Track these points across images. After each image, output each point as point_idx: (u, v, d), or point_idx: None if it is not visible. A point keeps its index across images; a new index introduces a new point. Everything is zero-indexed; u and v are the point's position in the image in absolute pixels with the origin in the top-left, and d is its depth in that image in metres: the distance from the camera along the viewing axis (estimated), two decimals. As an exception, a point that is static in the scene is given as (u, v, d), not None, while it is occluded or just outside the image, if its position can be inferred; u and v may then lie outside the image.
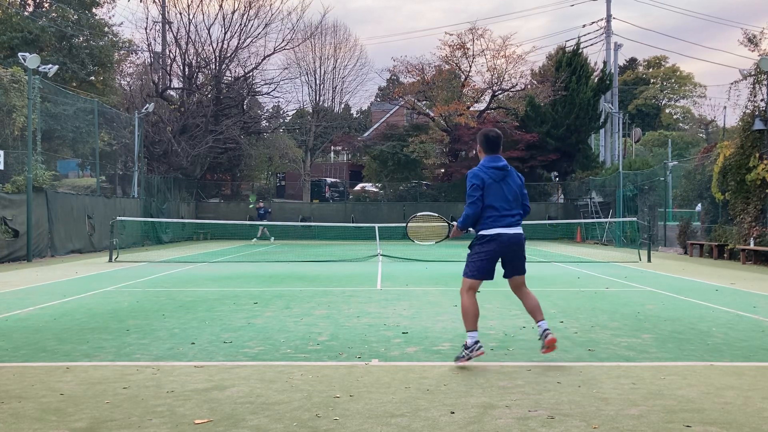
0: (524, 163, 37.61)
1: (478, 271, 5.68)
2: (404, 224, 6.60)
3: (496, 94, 39.13)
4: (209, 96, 37.23)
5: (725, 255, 19.39)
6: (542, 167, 39.34)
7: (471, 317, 5.63)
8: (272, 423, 4.14)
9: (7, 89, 20.05)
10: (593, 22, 43.49)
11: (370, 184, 42.57)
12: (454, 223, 6.03)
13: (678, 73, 67.65)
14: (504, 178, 5.71)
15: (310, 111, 44.08)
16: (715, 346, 6.51)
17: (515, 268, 5.89)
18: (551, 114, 36.69)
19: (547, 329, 5.70)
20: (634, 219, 22.70)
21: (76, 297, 10.32)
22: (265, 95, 41.13)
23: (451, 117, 36.55)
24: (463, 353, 5.63)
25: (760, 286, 12.05)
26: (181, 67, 36.77)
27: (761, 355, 6.16)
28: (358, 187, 43.88)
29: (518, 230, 5.76)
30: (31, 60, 18.15)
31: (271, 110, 47.13)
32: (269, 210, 32.77)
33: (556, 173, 41.29)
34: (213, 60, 37.21)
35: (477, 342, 5.60)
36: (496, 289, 11.56)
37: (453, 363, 5.71)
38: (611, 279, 13.38)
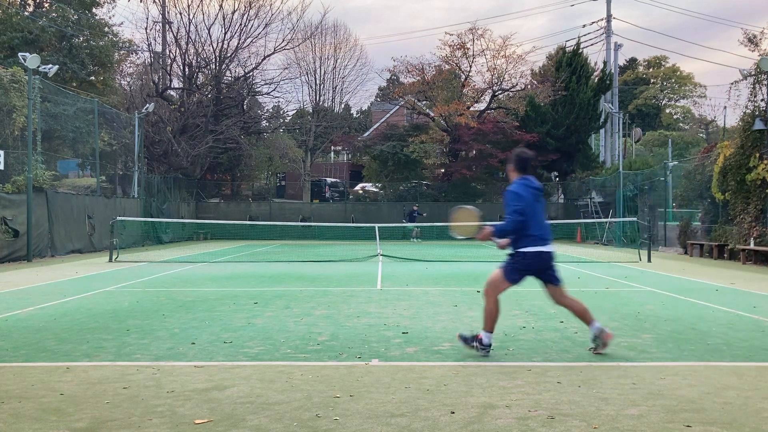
0: (524, 163, 37.60)
1: (515, 278, 6.11)
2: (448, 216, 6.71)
3: (496, 94, 39.13)
4: (209, 96, 37.24)
5: (725, 255, 19.39)
6: (542, 167, 39.33)
7: (492, 317, 6.10)
8: (272, 423, 4.14)
9: (7, 89, 20.05)
10: (593, 22, 43.52)
11: (370, 184, 42.57)
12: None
13: (678, 73, 67.62)
14: (539, 198, 6.06)
15: (310, 111, 44.09)
16: (715, 346, 6.51)
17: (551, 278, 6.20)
18: (551, 114, 36.70)
19: None
20: (634, 219, 22.69)
21: (76, 297, 10.32)
22: (265, 95, 41.18)
23: (451, 117, 36.54)
24: (474, 344, 6.05)
25: (760, 286, 12.05)
26: (181, 67, 36.79)
27: (761, 355, 6.16)
28: (358, 187, 43.89)
29: (552, 247, 6.12)
30: (31, 60, 18.15)
31: (271, 110, 47.19)
32: (423, 213, 32.73)
33: (556, 173, 41.30)
34: (213, 60, 37.23)
35: (491, 344, 6.07)
36: (496, 289, 11.56)
37: (453, 363, 5.71)
38: (611, 279, 13.38)
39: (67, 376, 5.30)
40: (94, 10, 30.05)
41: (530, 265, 6.00)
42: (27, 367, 5.65)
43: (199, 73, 37.90)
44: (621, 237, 27.37)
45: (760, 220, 18.11)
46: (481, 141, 36.49)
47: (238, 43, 37.13)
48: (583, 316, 6.08)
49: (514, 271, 6.06)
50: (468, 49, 37.89)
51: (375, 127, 49.81)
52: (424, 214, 32.54)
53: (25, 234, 18.21)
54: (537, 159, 36.69)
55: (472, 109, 38.64)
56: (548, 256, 6.03)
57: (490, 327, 6.00)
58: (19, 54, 18.71)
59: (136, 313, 8.59)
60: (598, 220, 29.85)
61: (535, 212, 5.93)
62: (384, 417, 4.25)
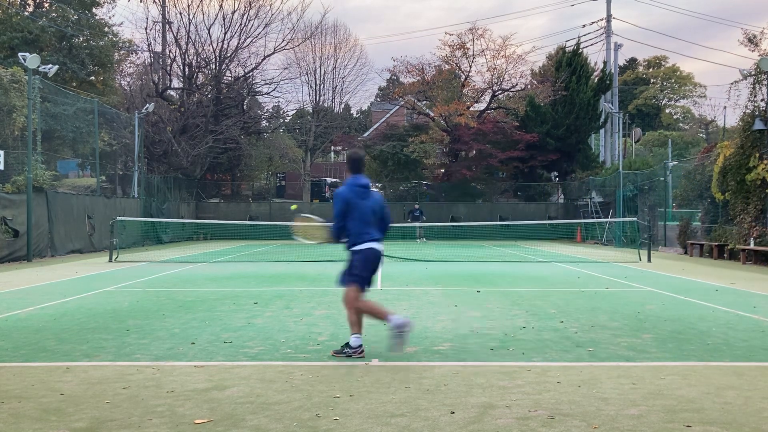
0: (524, 163, 37.62)
1: (359, 279, 6.05)
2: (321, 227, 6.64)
3: (496, 94, 39.13)
4: (209, 96, 37.24)
5: (725, 255, 19.38)
6: (542, 167, 39.34)
7: (380, 314, 6.00)
8: (272, 423, 4.14)
9: (7, 89, 20.05)
10: (593, 22, 43.52)
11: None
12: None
13: (678, 73, 67.60)
14: (366, 196, 6.12)
15: (310, 111, 44.09)
16: (715, 346, 6.51)
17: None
18: (551, 114, 36.69)
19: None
20: (634, 219, 22.69)
21: (76, 297, 10.31)
22: (265, 95, 41.17)
23: (451, 117, 36.53)
24: (346, 350, 5.98)
25: (760, 286, 12.05)
26: (181, 67, 36.79)
27: (761, 355, 6.16)
28: (358, 187, 43.82)
29: (382, 244, 6.17)
30: (31, 60, 18.15)
31: (271, 110, 47.17)
32: (423, 216, 32.59)
33: (556, 173, 41.30)
34: (213, 60, 37.23)
35: (361, 345, 6.01)
36: (496, 289, 11.58)
37: (453, 363, 5.71)
38: (611, 279, 13.38)
39: (67, 376, 5.30)
40: (94, 10, 30.03)
41: (366, 260, 6.01)
42: (27, 367, 5.65)
43: (199, 73, 37.90)
44: (621, 237, 27.36)
45: (760, 220, 18.11)
46: (481, 141, 36.49)
47: (238, 43, 37.15)
48: (379, 314, 6.09)
49: (352, 273, 6.05)
50: (468, 49, 37.89)
51: (375, 127, 49.80)
52: (424, 218, 32.42)
53: (25, 234, 18.21)
54: (537, 159, 36.80)
55: (472, 109, 38.63)
56: (375, 254, 6.05)
57: (357, 330, 6.02)
58: (19, 54, 18.70)
59: (136, 313, 8.59)
60: (598, 220, 29.85)
61: (361, 211, 6.02)
62: (384, 417, 4.25)
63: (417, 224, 32.08)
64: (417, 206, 33.21)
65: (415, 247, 26.45)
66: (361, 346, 5.98)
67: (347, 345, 6.02)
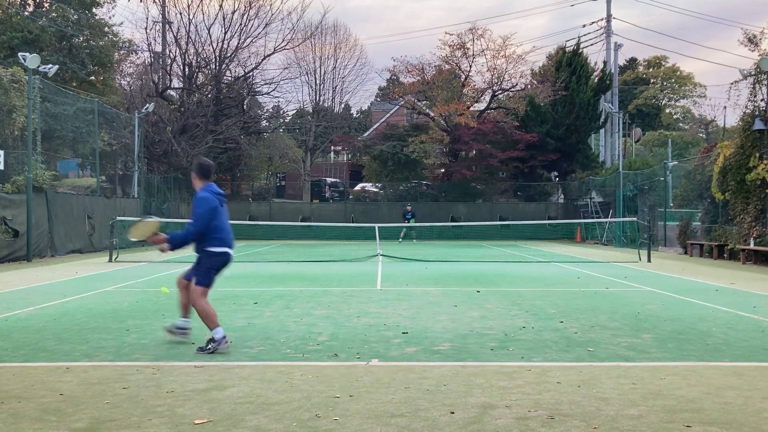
0: (524, 163, 37.62)
1: (211, 280, 6.42)
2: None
3: (496, 94, 39.13)
4: (209, 96, 37.23)
5: (725, 255, 19.38)
6: (542, 167, 39.34)
7: (213, 317, 6.25)
8: (272, 423, 4.14)
9: (7, 89, 20.04)
10: (593, 22, 43.51)
11: (370, 184, 42.57)
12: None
13: (678, 73, 67.58)
14: (223, 203, 6.49)
15: (310, 111, 44.08)
16: (715, 346, 6.51)
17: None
18: (551, 114, 36.69)
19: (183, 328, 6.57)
20: (634, 219, 22.69)
21: (76, 297, 10.31)
22: (265, 95, 41.17)
23: (451, 117, 36.54)
24: (210, 346, 6.14)
25: (760, 286, 12.05)
26: (181, 67, 36.79)
27: (761, 355, 6.16)
28: (358, 187, 43.88)
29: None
30: (31, 60, 18.14)
31: (271, 110, 47.16)
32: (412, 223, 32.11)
33: (556, 173, 41.31)
34: (213, 60, 37.22)
35: (224, 336, 6.22)
36: (496, 289, 11.58)
37: (453, 363, 5.72)
38: (611, 279, 13.38)
39: (67, 376, 5.29)
40: (94, 10, 30.03)
41: (217, 263, 6.37)
42: (27, 367, 5.65)
43: (199, 73, 37.90)
44: (621, 237, 27.36)
45: (760, 220, 18.11)
46: (481, 141, 36.49)
47: (238, 43, 37.15)
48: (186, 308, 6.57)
49: (207, 273, 6.35)
50: (468, 49, 37.90)
51: (375, 127, 49.80)
52: (414, 224, 31.87)
53: (25, 234, 18.21)
54: (537, 159, 36.79)
55: (472, 109, 38.63)
56: (230, 258, 6.50)
57: (214, 325, 6.21)
58: (19, 54, 18.70)
59: (136, 313, 8.59)
60: (598, 220, 29.85)
61: (221, 216, 6.38)
62: (384, 417, 4.25)
63: (408, 225, 31.64)
64: (409, 208, 32.91)
65: (414, 247, 26.44)
66: (225, 336, 6.22)
67: (212, 340, 6.18)
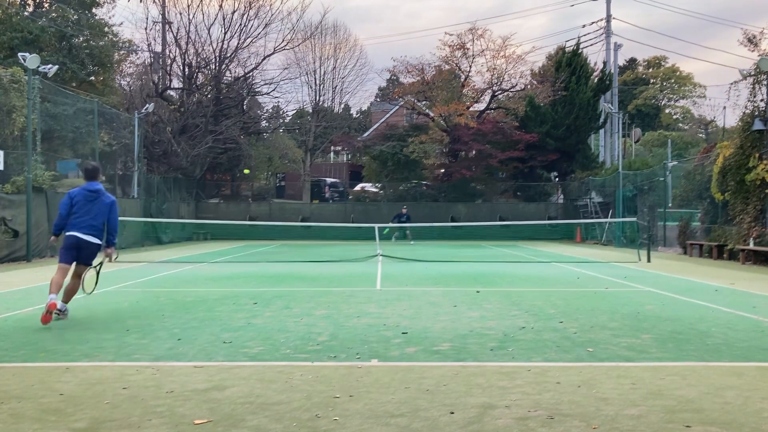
0: (524, 163, 37.62)
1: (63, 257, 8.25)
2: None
3: (496, 94, 39.13)
4: (209, 96, 37.22)
5: (725, 255, 19.38)
6: (542, 167, 39.34)
7: (56, 286, 7.95)
8: (272, 423, 4.14)
9: (7, 89, 20.03)
10: (593, 22, 43.53)
11: (370, 184, 42.56)
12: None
13: (678, 73, 67.58)
14: (95, 199, 8.09)
15: (310, 111, 44.07)
16: (715, 346, 6.51)
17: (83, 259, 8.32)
18: (551, 114, 36.69)
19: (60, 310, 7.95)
20: (634, 219, 22.69)
21: (76, 297, 10.29)
22: (265, 95, 41.14)
23: (451, 117, 36.54)
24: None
25: (760, 286, 12.05)
26: (181, 67, 36.77)
27: (761, 355, 6.17)
28: (358, 188, 43.87)
29: (90, 237, 8.16)
30: (31, 60, 18.14)
31: (271, 110, 47.15)
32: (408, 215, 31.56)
33: (555, 173, 41.31)
34: (213, 60, 37.20)
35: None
36: (496, 289, 11.58)
37: (453, 363, 5.71)
38: (611, 279, 13.38)
39: (67, 376, 5.29)
40: (94, 10, 30.01)
41: (71, 244, 8.12)
42: (27, 367, 5.65)
43: (199, 73, 37.87)
44: (621, 237, 27.36)
45: (760, 220, 18.11)
46: (481, 141, 36.49)
47: (238, 43, 37.12)
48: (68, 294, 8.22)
49: (62, 250, 8.22)
50: (468, 49, 37.90)
51: (375, 127, 49.79)
52: (406, 225, 31.10)
53: (24, 234, 18.20)
54: (537, 159, 36.77)
55: (471, 109, 38.63)
56: (78, 239, 8.10)
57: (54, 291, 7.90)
58: (19, 54, 18.69)
59: (136, 313, 8.59)
60: (598, 220, 29.85)
61: (85, 208, 8.06)
62: (384, 417, 4.25)
63: (398, 225, 30.97)
64: (405, 210, 32.59)
65: (414, 247, 26.44)
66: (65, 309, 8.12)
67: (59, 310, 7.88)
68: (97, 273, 8.52)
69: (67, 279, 8.23)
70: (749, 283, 12.77)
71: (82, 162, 9.26)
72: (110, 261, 8.52)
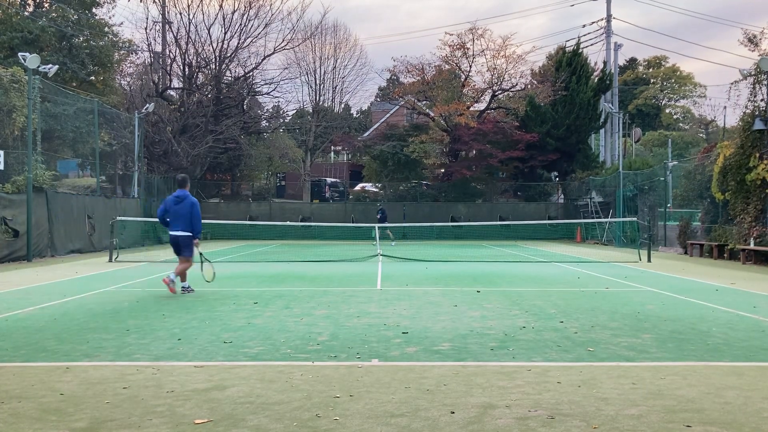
0: (524, 163, 37.62)
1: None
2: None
3: (496, 94, 39.13)
4: (209, 96, 37.22)
5: (725, 255, 19.38)
6: (542, 167, 39.34)
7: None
8: (272, 423, 4.14)
9: (7, 89, 20.04)
10: (593, 22, 43.54)
11: (370, 184, 42.57)
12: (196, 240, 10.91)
13: (678, 73, 67.59)
14: (181, 202, 10.63)
15: (310, 111, 44.08)
16: (715, 346, 6.51)
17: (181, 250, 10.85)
18: (551, 114, 36.70)
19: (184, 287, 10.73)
20: (634, 219, 22.69)
21: (76, 297, 10.32)
22: (265, 95, 41.16)
23: (451, 117, 36.54)
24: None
25: (760, 286, 12.05)
26: (181, 67, 36.78)
27: (761, 355, 6.16)
28: (358, 187, 43.88)
29: (180, 231, 10.70)
30: (31, 60, 18.14)
31: (271, 110, 47.14)
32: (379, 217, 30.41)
33: (556, 173, 41.31)
34: (213, 60, 37.21)
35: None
36: (496, 289, 11.58)
37: (453, 363, 5.71)
38: (611, 279, 13.38)
39: (67, 376, 5.29)
40: (94, 10, 30.03)
41: (171, 242, 10.97)
42: (27, 367, 5.65)
43: (199, 73, 37.89)
44: (621, 237, 27.36)
45: (760, 220, 18.11)
46: (481, 141, 36.50)
47: (238, 43, 37.13)
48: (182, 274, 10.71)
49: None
50: (468, 49, 37.90)
51: (375, 127, 49.79)
52: (387, 225, 29.86)
53: (25, 234, 18.21)
54: (537, 159, 36.78)
55: (472, 109, 38.63)
56: (176, 237, 10.77)
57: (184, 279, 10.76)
58: (19, 54, 18.69)
59: (136, 313, 8.59)
60: (598, 220, 29.85)
61: (173, 210, 10.70)
62: (384, 417, 4.25)
63: (378, 225, 30.06)
64: (380, 206, 31.95)
65: (414, 247, 26.42)
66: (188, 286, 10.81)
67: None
68: (205, 260, 11.23)
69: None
70: (750, 282, 12.77)
71: (177, 174, 12.75)
72: (196, 247, 10.85)
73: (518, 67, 38.04)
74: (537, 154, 36.91)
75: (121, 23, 76.87)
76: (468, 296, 10.38)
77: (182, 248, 10.70)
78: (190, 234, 10.66)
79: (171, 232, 10.71)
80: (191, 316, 8.30)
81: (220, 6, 37.06)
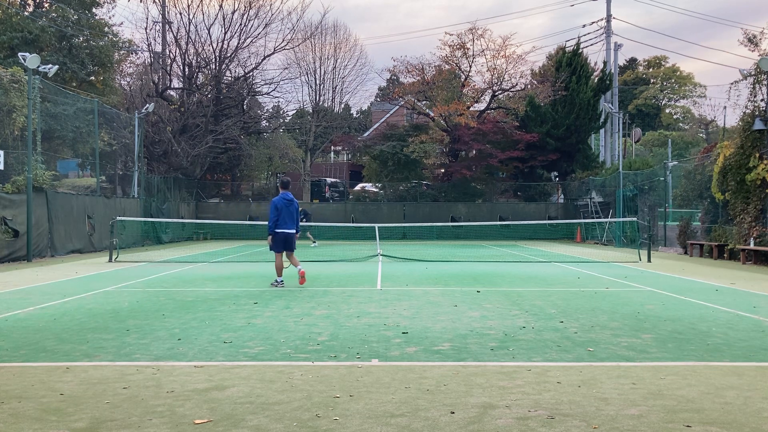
0: (524, 163, 37.61)
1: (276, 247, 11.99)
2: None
3: (496, 94, 39.13)
4: (209, 96, 37.22)
5: (725, 255, 19.38)
6: (542, 167, 39.34)
7: (280, 269, 12.05)
8: (272, 423, 4.14)
9: (7, 89, 20.04)
10: (593, 22, 43.51)
11: (370, 184, 42.55)
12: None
13: (678, 73, 67.61)
14: (290, 204, 11.97)
15: (310, 111, 44.08)
16: (715, 346, 6.51)
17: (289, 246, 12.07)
18: (551, 114, 36.69)
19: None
20: (634, 219, 22.70)
21: (76, 297, 10.32)
22: (265, 95, 41.13)
23: (451, 117, 36.54)
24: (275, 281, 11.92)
25: (760, 286, 12.05)
26: (181, 67, 36.77)
27: (761, 355, 6.17)
28: (358, 187, 43.86)
29: (291, 230, 11.95)
30: (31, 60, 18.14)
31: (271, 110, 47.13)
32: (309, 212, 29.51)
33: (556, 173, 41.29)
34: (213, 60, 37.20)
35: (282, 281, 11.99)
36: (496, 289, 11.58)
37: (453, 363, 5.72)
38: (611, 279, 13.38)
39: (67, 376, 5.30)
40: (94, 10, 30.02)
41: (281, 239, 11.87)
42: (27, 367, 5.65)
43: (199, 73, 37.87)
44: (621, 237, 27.36)
45: (760, 220, 18.11)
46: (481, 141, 36.50)
47: (238, 43, 37.11)
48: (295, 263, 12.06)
49: (275, 245, 11.88)
50: (468, 49, 37.89)
51: (375, 127, 49.78)
52: (308, 224, 28.33)
53: (25, 234, 18.21)
54: (537, 159, 36.80)
55: (472, 109, 38.62)
56: (287, 234, 11.93)
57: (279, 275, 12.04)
58: (19, 54, 18.69)
59: (136, 313, 8.59)
60: (598, 220, 29.85)
61: (285, 210, 11.94)
62: (384, 417, 4.25)
63: (305, 224, 27.58)
64: (301, 208, 30.70)
65: (414, 247, 26.42)
66: (282, 281, 12.00)
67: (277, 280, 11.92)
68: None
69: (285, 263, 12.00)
70: (749, 282, 12.77)
71: (279, 177, 13.04)
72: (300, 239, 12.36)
73: (518, 67, 38.06)
74: (537, 154, 36.91)
75: (121, 23, 77.04)
76: (468, 296, 10.38)
77: (291, 243, 11.92)
78: (298, 231, 12.18)
79: (284, 230, 11.74)
80: (191, 316, 8.30)
81: (220, 6, 37.04)
